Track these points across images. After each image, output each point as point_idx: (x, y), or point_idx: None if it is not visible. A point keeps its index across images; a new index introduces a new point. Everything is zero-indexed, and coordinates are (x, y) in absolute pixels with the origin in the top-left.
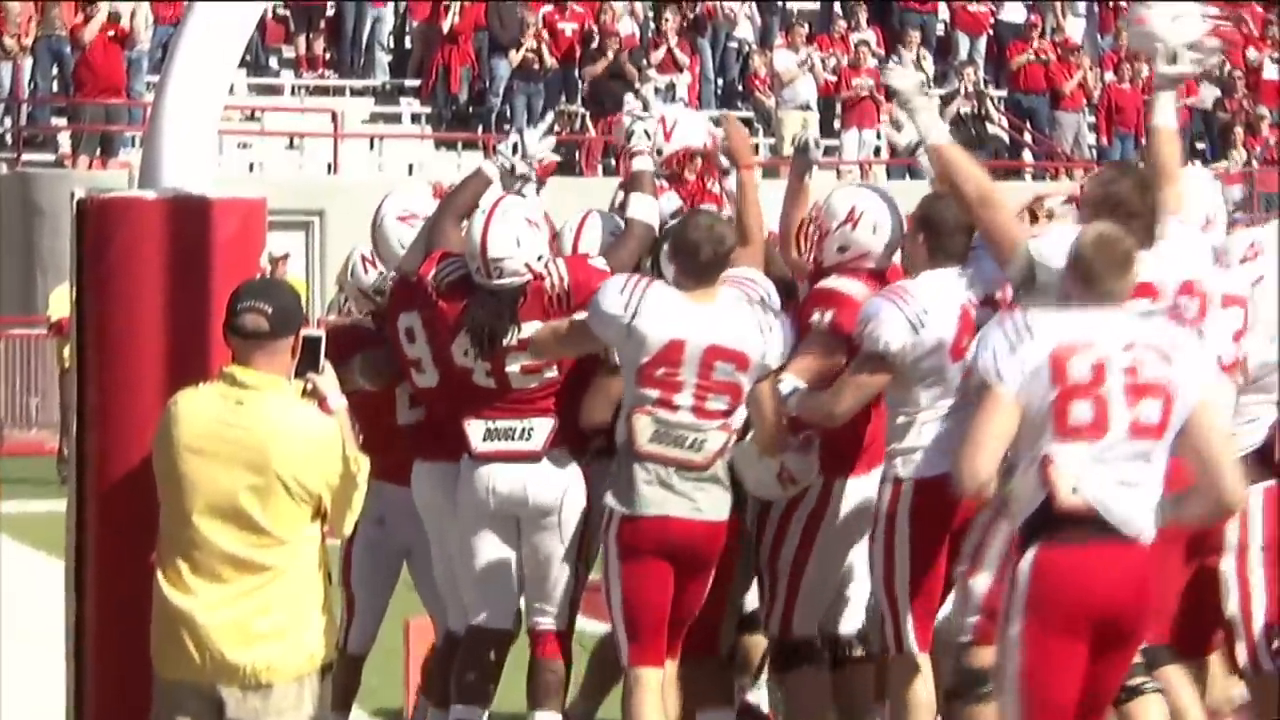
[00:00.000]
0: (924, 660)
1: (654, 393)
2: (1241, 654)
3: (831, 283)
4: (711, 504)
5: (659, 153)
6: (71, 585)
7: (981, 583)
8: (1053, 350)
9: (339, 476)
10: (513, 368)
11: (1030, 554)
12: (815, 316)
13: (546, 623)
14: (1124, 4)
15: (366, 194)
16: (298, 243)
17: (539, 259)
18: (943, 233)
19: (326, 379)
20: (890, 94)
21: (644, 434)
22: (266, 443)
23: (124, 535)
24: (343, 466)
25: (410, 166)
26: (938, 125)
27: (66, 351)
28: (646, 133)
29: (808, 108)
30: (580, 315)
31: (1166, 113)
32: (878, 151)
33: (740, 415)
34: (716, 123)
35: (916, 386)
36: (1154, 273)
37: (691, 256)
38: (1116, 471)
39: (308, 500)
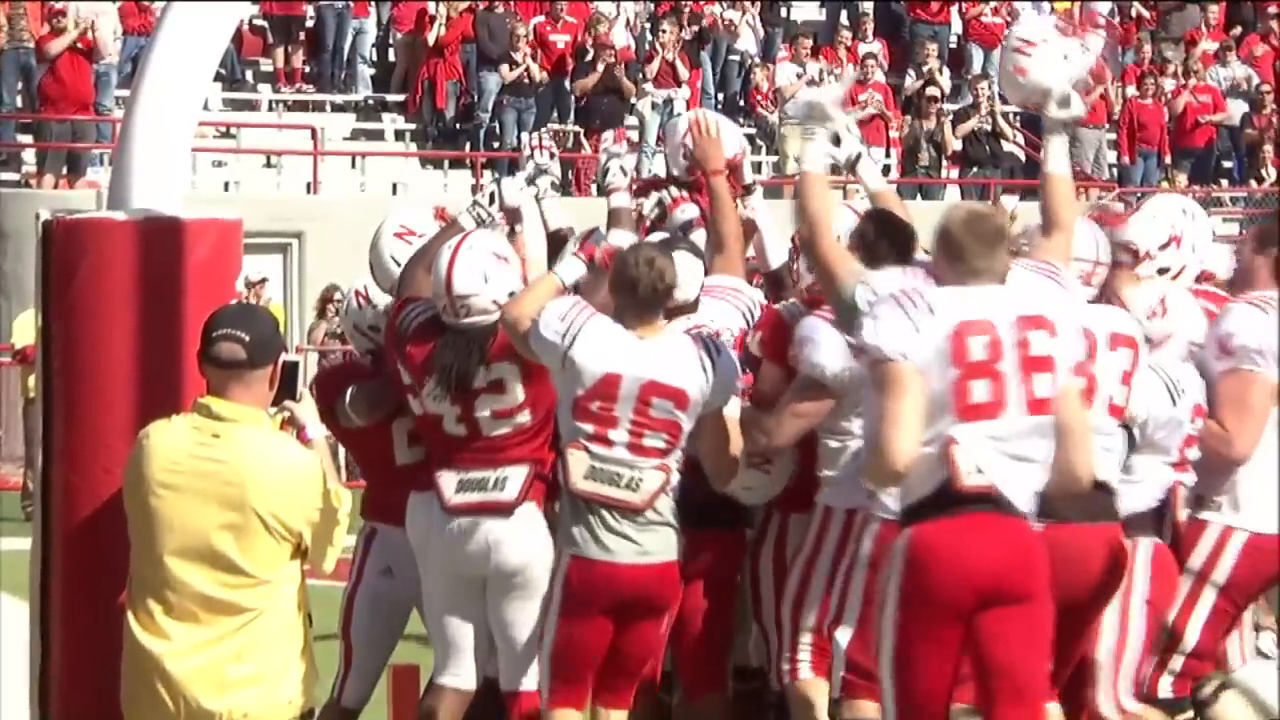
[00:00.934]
0: (820, 687)
1: (588, 427)
2: (1104, 701)
3: (779, 305)
4: (659, 545)
5: (686, 156)
6: (37, 627)
7: (843, 636)
8: (953, 329)
9: (319, 512)
10: (483, 412)
11: (906, 534)
12: (748, 338)
13: (520, 683)
14: (1023, 53)
15: (347, 215)
16: (275, 266)
17: (510, 295)
18: (878, 253)
19: (305, 407)
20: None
21: (578, 470)
22: (244, 478)
23: (92, 575)
24: (323, 501)
25: (394, 186)
26: (813, 156)
27: (31, 381)
28: (623, 169)
29: None
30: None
31: (1059, 159)
32: (887, 170)
33: (679, 455)
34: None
35: (850, 412)
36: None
37: (630, 292)
38: (1013, 447)
39: (287, 538)
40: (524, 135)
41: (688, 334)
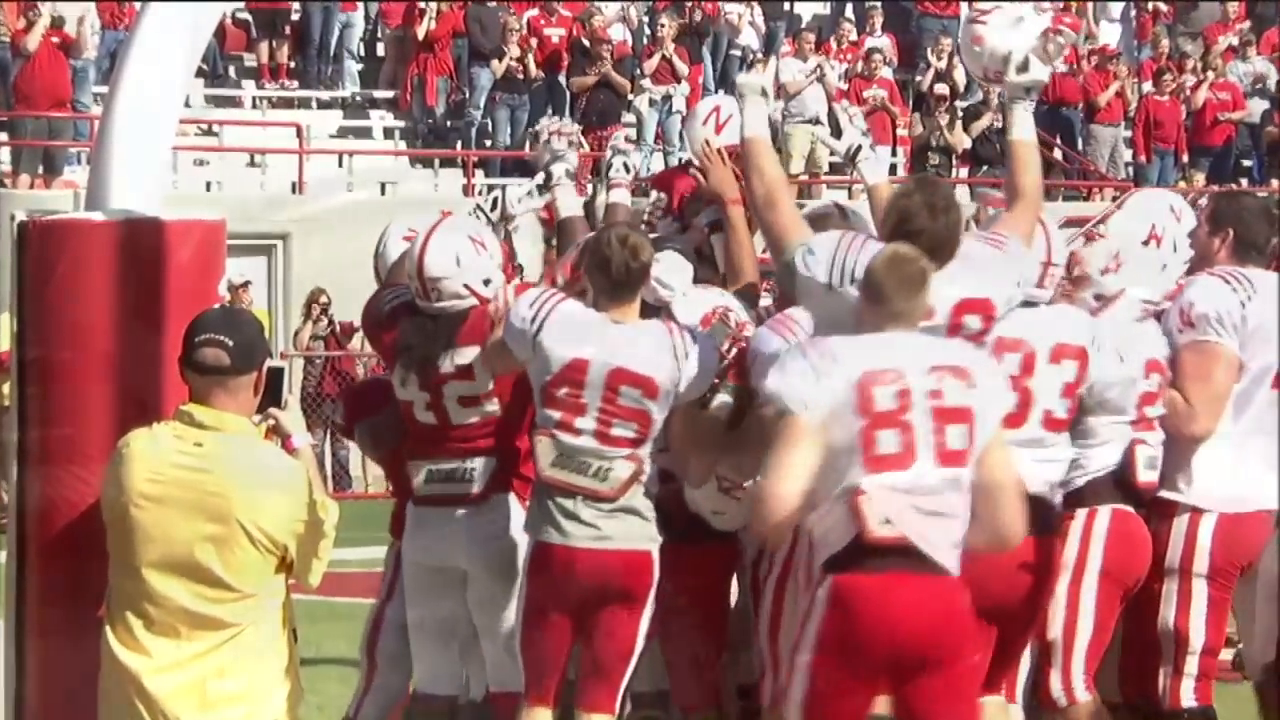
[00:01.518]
0: None
1: (556, 414)
2: (1056, 682)
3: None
4: (623, 532)
5: (706, 144)
6: (11, 644)
7: (804, 659)
8: (858, 379)
9: (305, 524)
10: (450, 399)
11: (827, 582)
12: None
13: (505, 684)
14: (978, 22)
15: (334, 215)
16: (260, 268)
17: (485, 283)
18: None
19: (290, 415)
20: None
21: (545, 458)
22: (228, 488)
23: (69, 589)
24: (309, 513)
25: (383, 186)
26: (758, 120)
27: (6, 388)
28: (626, 165)
29: (817, 122)
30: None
31: (1024, 126)
32: (894, 169)
33: (651, 445)
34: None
35: None
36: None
37: (602, 272)
38: (926, 501)
39: (272, 550)
40: (543, 120)
41: (665, 322)
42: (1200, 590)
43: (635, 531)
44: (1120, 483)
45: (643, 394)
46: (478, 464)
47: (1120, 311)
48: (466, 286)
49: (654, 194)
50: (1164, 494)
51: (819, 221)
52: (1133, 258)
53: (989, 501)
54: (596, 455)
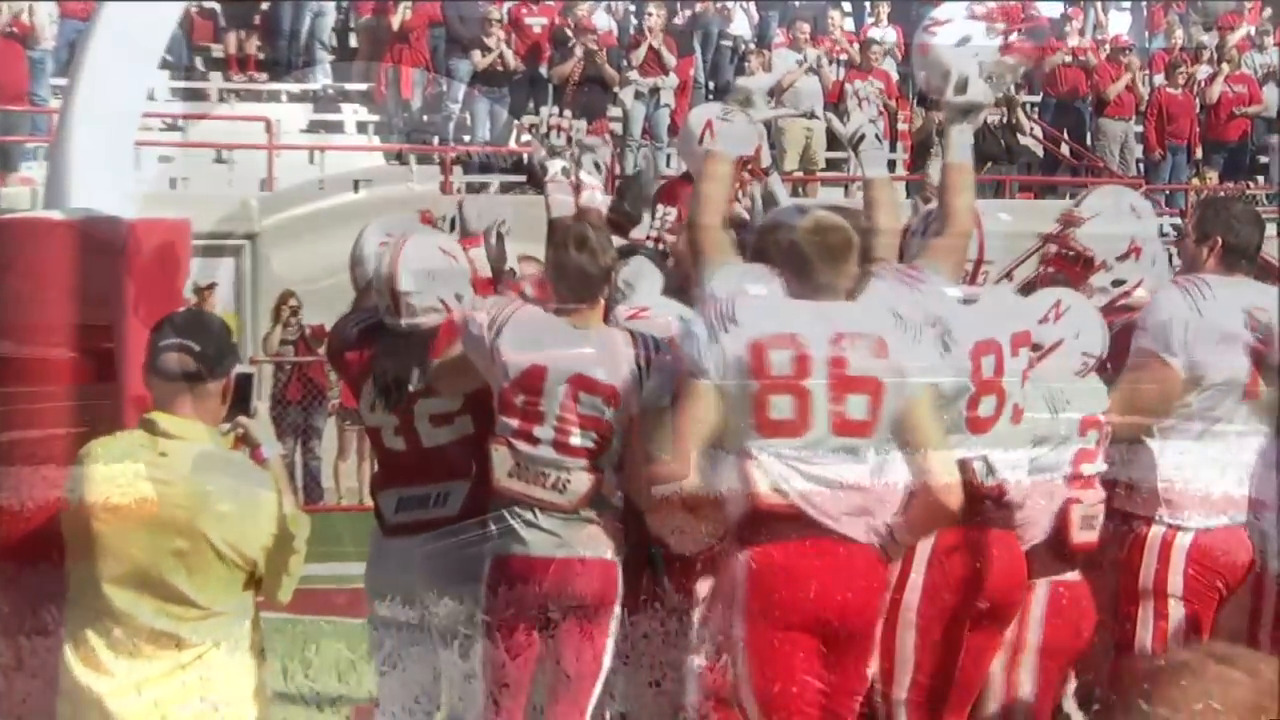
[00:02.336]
0: None
1: (513, 422)
2: None
3: None
4: (586, 541)
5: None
6: None
7: (698, 662)
8: (753, 341)
9: (274, 538)
10: (421, 419)
11: (745, 554)
12: None
13: None
14: (929, 31)
15: (305, 214)
16: (226, 269)
17: (458, 298)
18: (763, 248)
19: (259, 423)
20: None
21: (501, 467)
22: (194, 501)
23: (27, 606)
24: (278, 527)
25: (356, 183)
26: (724, 137)
27: None
28: (598, 164)
29: (812, 116)
30: None
31: (957, 149)
32: (893, 165)
33: (613, 456)
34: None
35: None
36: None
37: (561, 276)
38: (819, 470)
39: (240, 565)
40: (542, 110)
41: (626, 330)
42: (1176, 611)
43: (598, 540)
44: (1056, 546)
45: (604, 401)
46: (451, 488)
47: (1055, 363)
48: (440, 300)
49: (661, 208)
50: (1135, 512)
51: (773, 230)
52: (1074, 307)
53: (919, 473)
54: (555, 465)
